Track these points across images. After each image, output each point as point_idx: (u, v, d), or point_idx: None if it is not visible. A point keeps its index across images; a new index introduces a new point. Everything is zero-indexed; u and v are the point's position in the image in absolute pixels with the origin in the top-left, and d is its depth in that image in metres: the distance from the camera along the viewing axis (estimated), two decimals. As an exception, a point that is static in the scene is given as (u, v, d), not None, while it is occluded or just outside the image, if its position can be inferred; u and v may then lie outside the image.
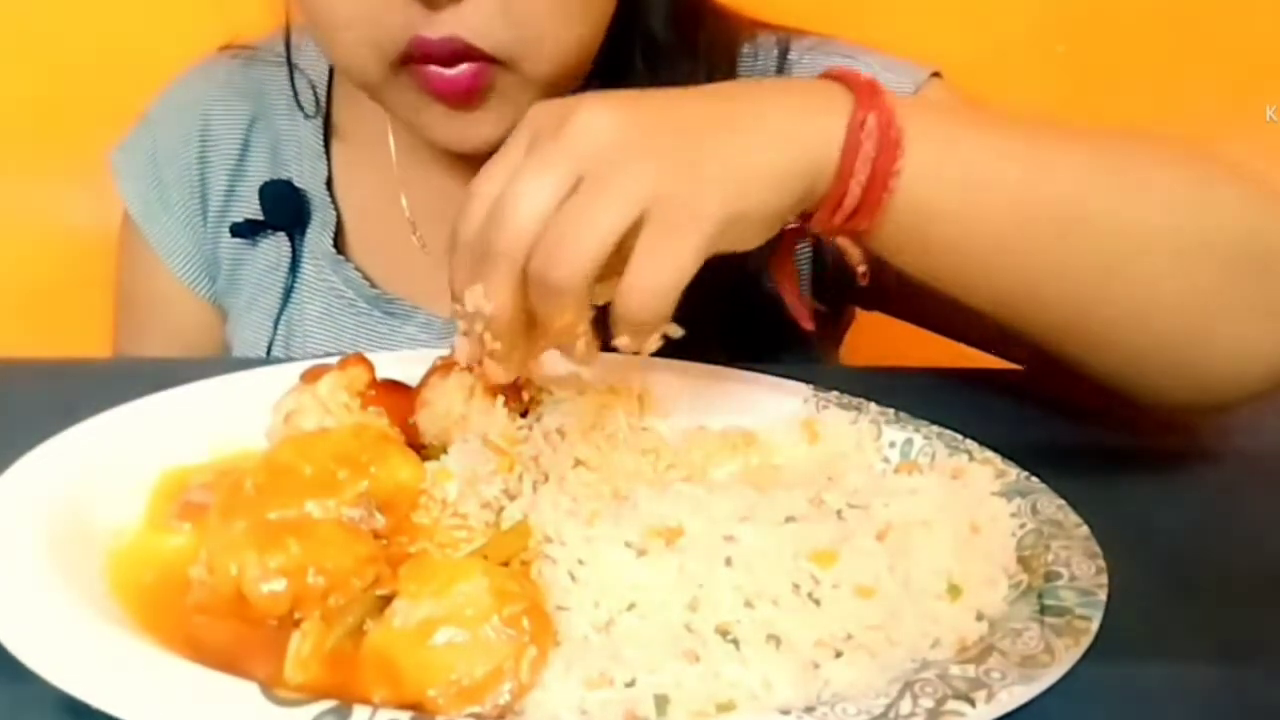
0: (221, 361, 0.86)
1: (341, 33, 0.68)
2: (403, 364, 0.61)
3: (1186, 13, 1.18)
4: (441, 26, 0.65)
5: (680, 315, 0.48)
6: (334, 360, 0.59)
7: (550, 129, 0.49)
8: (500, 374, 0.52)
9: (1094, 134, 0.59)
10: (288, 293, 0.84)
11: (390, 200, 0.84)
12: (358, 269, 0.83)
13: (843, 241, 0.57)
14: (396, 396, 0.58)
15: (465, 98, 0.69)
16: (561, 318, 0.48)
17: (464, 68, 0.67)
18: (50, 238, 1.17)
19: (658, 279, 0.47)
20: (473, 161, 0.80)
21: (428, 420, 0.57)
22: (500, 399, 0.57)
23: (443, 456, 0.54)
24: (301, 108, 0.85)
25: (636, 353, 0.49)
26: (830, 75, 0.55)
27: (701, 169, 0.48)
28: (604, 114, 0.48)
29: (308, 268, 0.84)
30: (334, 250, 0.83)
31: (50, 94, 1.13)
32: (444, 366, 0.58)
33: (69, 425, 0.56)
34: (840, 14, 0.88)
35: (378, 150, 0.84)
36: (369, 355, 0.60)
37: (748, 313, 0.76)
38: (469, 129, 0.70)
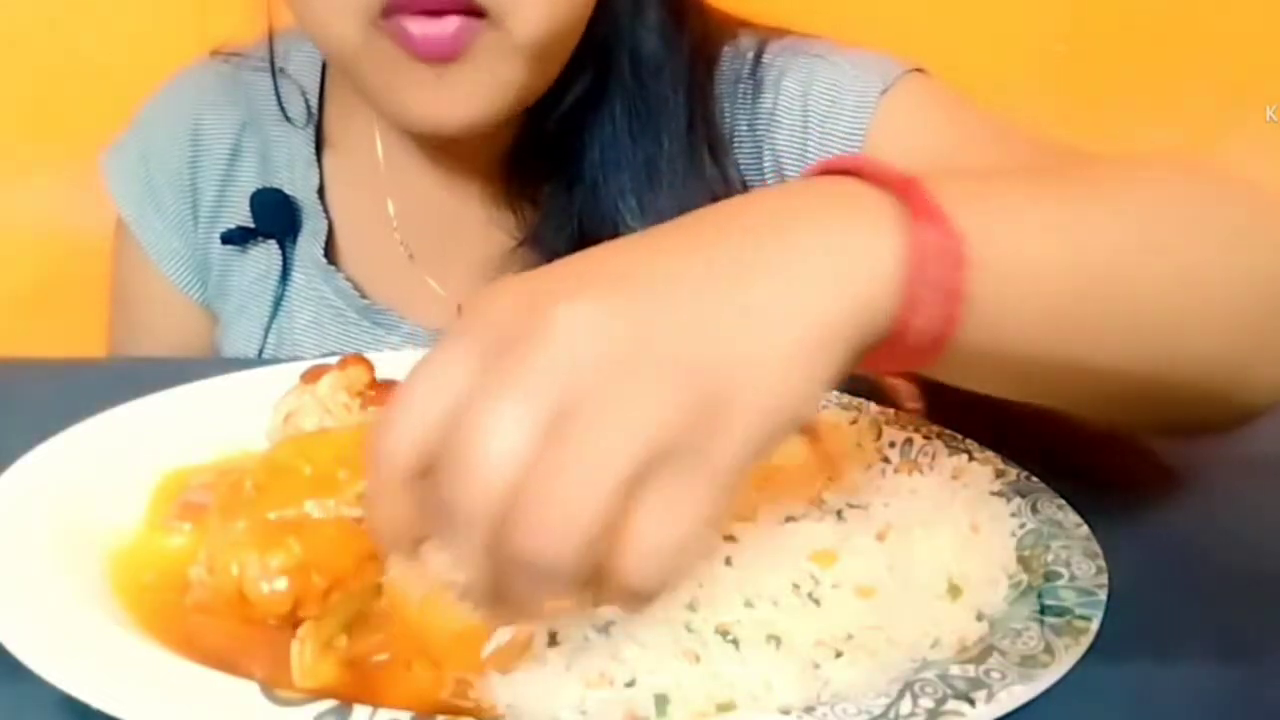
0: (221, 362, 0.86)
1: None
2: (403, 364, 0.61)
3: (1186, 13, 1.19)
4: None
5: None
6: (334, 360, 0.59)
7: (517, 329, 0.35)
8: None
9: (1123, 175, 0.51)
10: (278, 301, 0.84)
11: (379, 209, 0.84)
12: (348, 279, 0.83)
13: (892, 380, 0.46)
14: (396, 396, 0.58)
15: (447, 51, 0.66)
16: (540, 603, 0.36)
17: (449, 21, 0.65)
18: (50, 238, 1.17)
19: (663, 542, 0.35)
20: (457, 168, 0.81)
21: (428, 420, 0.57)
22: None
23: None
24: (288, 118, 0.84)
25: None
26: (847, 168, 0.42)
27: (729, 382, 0.36)
28: (589, 312, 0.35)
29: (298, 276, 0.84)
30: (324, 260, 0.83)
31: (48, 94, 1.13)
32: (444, 366, 0.58)
33: (69, 425, 0.56)
34: (838, 14, 0.88)
35: (368, 158, 0.84)
36: (369, 355, 0.60)
37: None
38: (445, 95, 0.67)
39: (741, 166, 0.80)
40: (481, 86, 0.68)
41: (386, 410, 0.37)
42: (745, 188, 0.79)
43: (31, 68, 1.13)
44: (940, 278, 0.39)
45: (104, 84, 1.02)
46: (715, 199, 0.68)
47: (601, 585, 0.35)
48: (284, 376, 0.59)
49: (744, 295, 0.37)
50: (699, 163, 0.77)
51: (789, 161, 0.79)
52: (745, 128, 0.80)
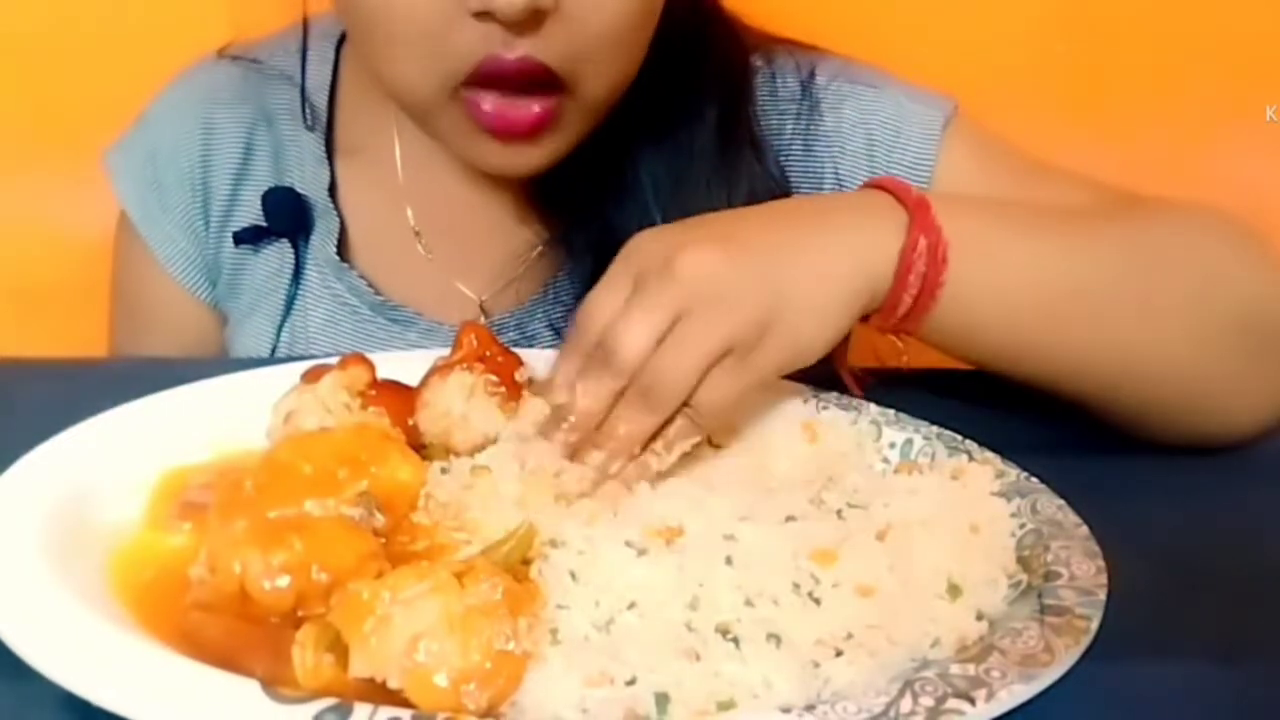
0: (222, 361, 0.86)
1: (400, 49, 0.66)
2: (403, 364, 0.61)
3: (1186, 13, 1.19)
4: (518, 47, 0.64)
5: None
6: (334, 360, 0.59)
7: (656, 268, 0.55)
8: (575, 485, 0.53)
9: (1119, 219, 0.68)
10: (290, 300, 0.84)
11: (393, 208, 0.84)
12: (361, 276, 0.83)
13: (890, 336, 0.64)
14: (397, 397, 0.58)
15: (529, 134, 0.68)
16: (645, 422, 0.54)
17: (531, 105, 0.67)
18: (51, 238, 1.17)
19: (719, 395, 0.55)
20: (481, 173, 0.81)
21: (427, 420, 0.57)
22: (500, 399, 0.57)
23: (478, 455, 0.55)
24: (309, 126, 0.84)
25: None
26: (881, 185, 0.62)
27: (781, 314, 0.56)
28: (705, 259, 0.55)
29: (311, 274, 0.84)
30: (337, 257, 0.83)
31: (50, 93, 1.13)
32: (444, 367, 0.58)
33: (69, 425, 0.56)
34: (839, 13, 0.88)
35: (381, 158, 0.84)
36: (369, 355, 0.60)
37: None
38: (521, 157, 0.70)
39: (801, 180, 0.82)
40: (557, 146, 0.70)
41: (578, 322, 0.57)
42: (787, 182, 0.81)
43: (32, 67, 1.13)
44: (924, 271, 0.60)
45: (104, 83, 1.02)
46: (754, 194, 0.79)
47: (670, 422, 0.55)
48: (284, 376, 0.59)
49: (803, 260, 0.58)
50: (735, 163, 0.78)
51: (852, 185, 0.81)
52: (802, 146, 0.82)
